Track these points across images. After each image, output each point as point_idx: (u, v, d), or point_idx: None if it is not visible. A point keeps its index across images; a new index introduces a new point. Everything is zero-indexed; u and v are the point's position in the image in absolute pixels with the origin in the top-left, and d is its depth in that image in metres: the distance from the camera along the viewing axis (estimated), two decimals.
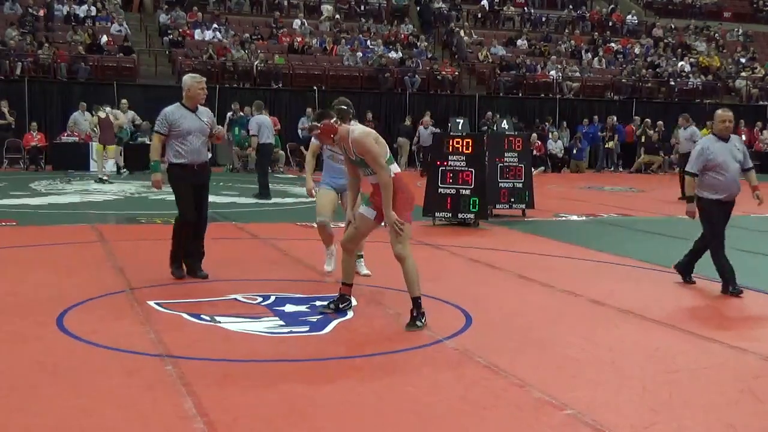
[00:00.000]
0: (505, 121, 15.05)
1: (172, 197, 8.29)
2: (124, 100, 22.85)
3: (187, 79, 8.31)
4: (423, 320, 6.49)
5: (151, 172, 8.41)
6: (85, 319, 6.60)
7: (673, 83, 31.52)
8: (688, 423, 4.68)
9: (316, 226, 8.60)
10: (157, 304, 7.11)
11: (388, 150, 6.65)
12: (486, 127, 24.99)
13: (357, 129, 6.56)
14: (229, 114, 24.15)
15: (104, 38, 26.94)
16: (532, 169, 15.85)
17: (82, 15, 28.31)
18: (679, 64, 32.78)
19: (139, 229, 12.04)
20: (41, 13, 28.17)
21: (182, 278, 8.15)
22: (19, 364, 5.40)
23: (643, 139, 27.84)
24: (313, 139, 7.96)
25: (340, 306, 6.98)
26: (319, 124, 6.55)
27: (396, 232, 6.40)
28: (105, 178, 19.26)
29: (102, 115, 20.00)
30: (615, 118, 28.91)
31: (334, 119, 6.53)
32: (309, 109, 25.30)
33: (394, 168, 6.60)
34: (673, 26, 36.70)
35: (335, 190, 8.36)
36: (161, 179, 8.32)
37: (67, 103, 23.91)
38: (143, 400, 4.76)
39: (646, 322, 6.94)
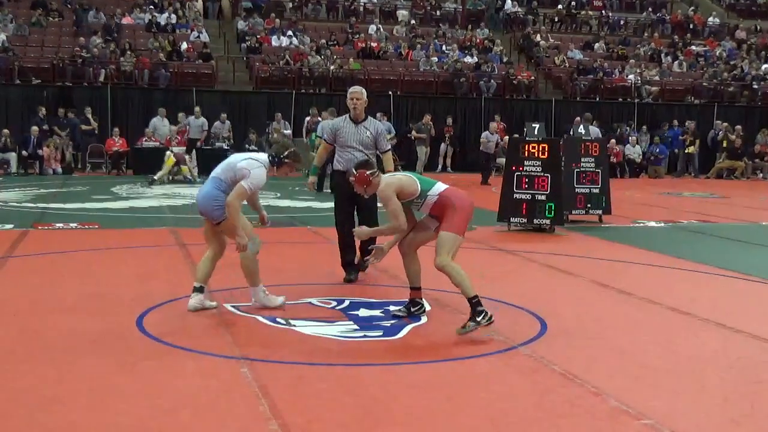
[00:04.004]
0: (582, 126, 14.86)
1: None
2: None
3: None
4: (482, 318, 6.25)
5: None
6: (163, 321, 6.74)
7: (756, 87, 30.71)
8: None
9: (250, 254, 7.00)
10: (234, 306, 7.22)
11: (418, 184, 6.59)
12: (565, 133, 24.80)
13: (382, 182, 6.62)
14: (307, 119, 24.40)
15: (184, 45, 27.52)
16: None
17: (162, 23, 28.95)
18: (763, 66, 31.89)
19: None
20: (124, 21, 28.92)
21: (351, 282, 8.44)
22: (101, 363, 5.53)
23: (724, 144, 27.19)
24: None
25: (413, 310, 6.98)
26: (355, 173, 6.63)
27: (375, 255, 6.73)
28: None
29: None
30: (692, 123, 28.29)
31: (372, 171, 6.60)
32: (379, 114, 25.29)
33: (437, 189, 6.60)
34: (758, 27, 35.74)
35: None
36: (313, 182, 9.30)
37: (148, 108, 24.50)
38: (219, 401, 4.83)
39: (727, 331, 6.77)
